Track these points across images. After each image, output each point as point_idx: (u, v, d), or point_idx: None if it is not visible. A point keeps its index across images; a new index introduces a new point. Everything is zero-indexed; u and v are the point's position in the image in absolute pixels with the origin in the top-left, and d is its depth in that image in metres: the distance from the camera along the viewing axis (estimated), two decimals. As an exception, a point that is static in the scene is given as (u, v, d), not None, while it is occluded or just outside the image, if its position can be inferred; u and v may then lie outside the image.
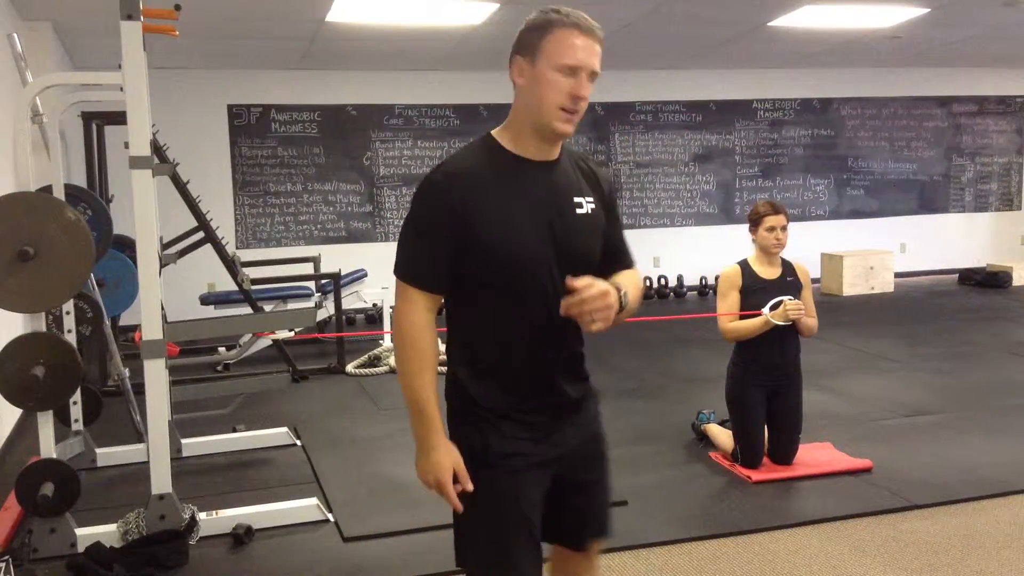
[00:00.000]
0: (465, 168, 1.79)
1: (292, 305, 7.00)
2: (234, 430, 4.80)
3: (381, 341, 7.08)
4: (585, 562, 2.06)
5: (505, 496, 1.83)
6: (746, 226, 4.14)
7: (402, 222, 1.83)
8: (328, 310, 7.10)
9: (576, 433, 1.92)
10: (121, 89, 3.34)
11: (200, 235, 5.86)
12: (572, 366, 1.92)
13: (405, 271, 1.80)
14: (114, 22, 3.28)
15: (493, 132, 1.86)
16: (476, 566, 1.89)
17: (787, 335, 3.99)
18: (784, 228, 3.99)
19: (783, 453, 4.08)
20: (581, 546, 2.02)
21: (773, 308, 3.93)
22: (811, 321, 4.02)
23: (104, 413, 4.59)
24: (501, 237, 1.76)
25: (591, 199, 1.89)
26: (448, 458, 1.78)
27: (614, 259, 1.96)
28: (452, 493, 1.79)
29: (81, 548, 3.29)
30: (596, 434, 1.98)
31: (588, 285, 1.71)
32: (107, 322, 4.86)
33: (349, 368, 6.38)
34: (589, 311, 1.71)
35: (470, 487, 1.79)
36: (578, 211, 1.85)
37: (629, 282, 1.88)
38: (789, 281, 4.05)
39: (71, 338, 3.95)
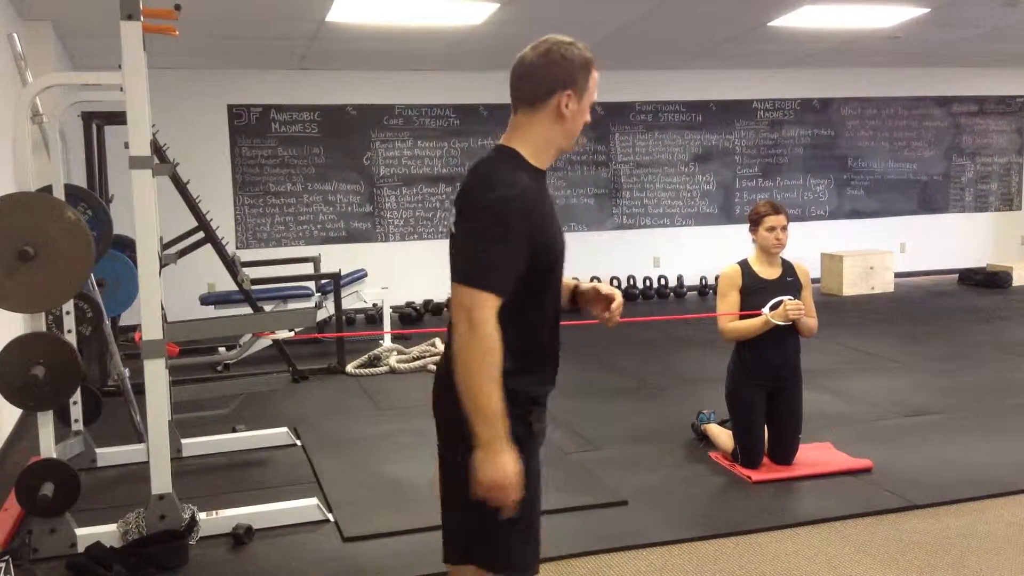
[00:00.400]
0: (526, 181, 1.89)
1: (292, 305, 7.00)
2: (234, 430, 4.79)
3: (381, 341, 7.07)
4: None
5: (538, 478, 1.96)
6: (746, 226, 4.14)
7: (472, 233, 1.85)
8: (328, 310, 7.10)
9: None
10: (121, 89, 3.34)
11: (200, 235, 5.85)
12: None
13: (486, 280, 1.82)
14: (114, 22, 3.28)
15: (512, 147, 1.94)
16: (507, 553, 1.94)
17: (787, 335, 4.00)
18: (784, 228, 4.00)
19: (783, 453, 4.08)
20: None
21: (773, 308, 3.93)
22: (811, 321, 4.02)
23: (104, 413, 4.59)
24: (551, 242, 1.93)
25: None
26: (516, 464, 1.82)
27: None
28: (512, 499, 1.83)
29: (81, 548, 3.29)
30: None
31: (615, 291, 2.08)
32: (107, 322, 4.86)
33: (349, 368, 6.38)
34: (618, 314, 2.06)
35: (519, 495, 1.83)
36: (554, 208, 2.06)
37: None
38: (789, 281, 4.05)
39: (71, 338, 3.95)
